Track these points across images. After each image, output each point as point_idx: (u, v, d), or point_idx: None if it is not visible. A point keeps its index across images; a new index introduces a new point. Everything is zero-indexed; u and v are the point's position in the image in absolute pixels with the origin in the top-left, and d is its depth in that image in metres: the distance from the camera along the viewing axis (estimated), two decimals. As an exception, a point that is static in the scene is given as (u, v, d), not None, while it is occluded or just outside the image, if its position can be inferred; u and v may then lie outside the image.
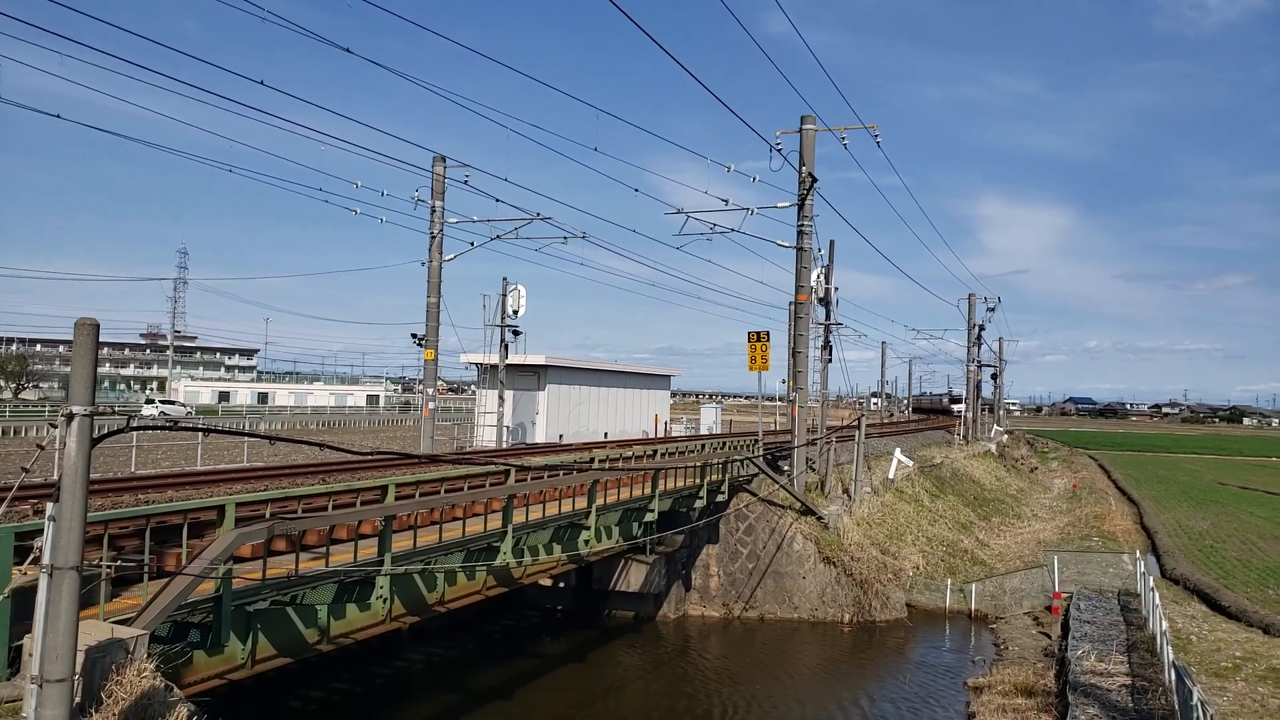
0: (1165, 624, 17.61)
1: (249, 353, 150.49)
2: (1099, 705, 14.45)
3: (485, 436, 39.08)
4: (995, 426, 73.85)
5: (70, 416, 6.41)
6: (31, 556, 7.05)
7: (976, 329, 64.77)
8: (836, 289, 30.41)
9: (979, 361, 67.30)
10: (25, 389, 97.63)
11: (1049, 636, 21.53)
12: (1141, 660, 17.01)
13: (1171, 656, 15.37)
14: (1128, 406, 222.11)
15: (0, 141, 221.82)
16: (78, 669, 6.55)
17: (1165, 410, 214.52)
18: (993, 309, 66.27)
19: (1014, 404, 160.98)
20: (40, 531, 6.85)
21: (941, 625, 24.04)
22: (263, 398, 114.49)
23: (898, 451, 35.99)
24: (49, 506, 6.60)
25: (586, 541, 16.84)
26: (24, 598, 6.93)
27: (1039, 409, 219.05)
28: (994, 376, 78.70)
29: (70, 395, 6.54)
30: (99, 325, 6.70)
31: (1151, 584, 21.22)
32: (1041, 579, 25.02)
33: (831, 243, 29.37)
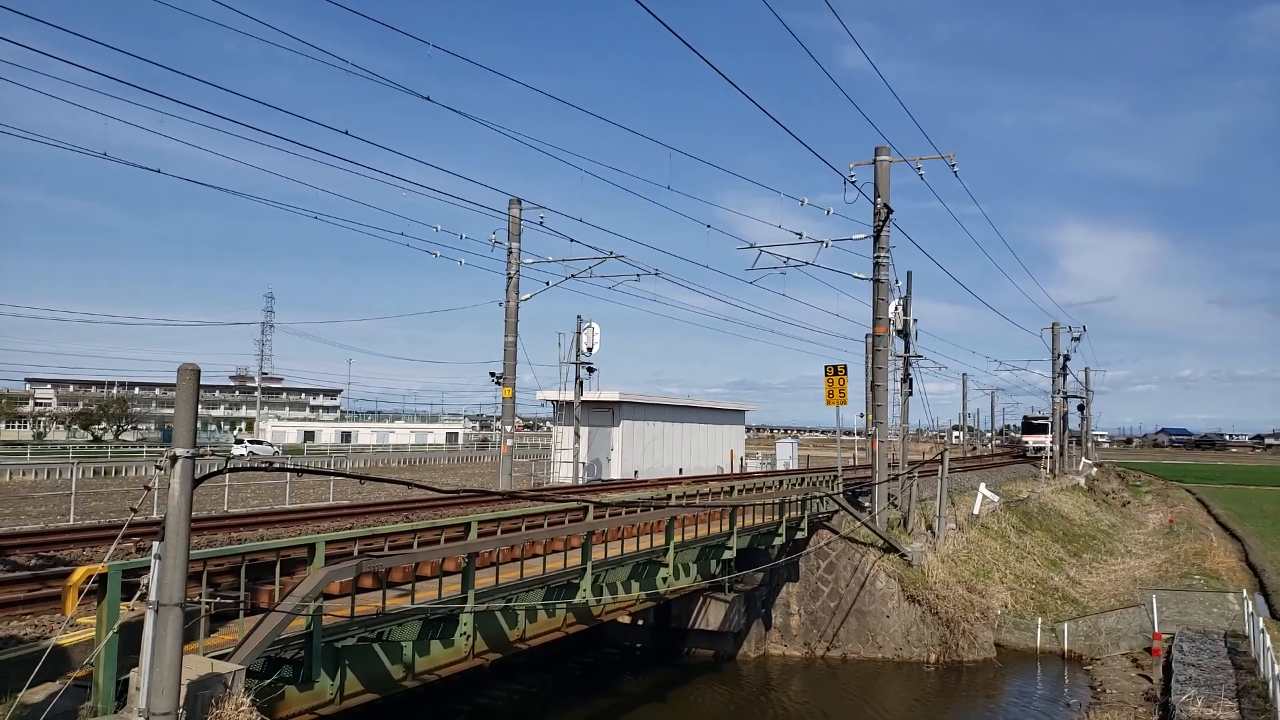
0: (1278, 667, 16.68)
1: (333, 393, 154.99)
2: (1207, 753, 13.72)
3: (561, 473, 39.38)
4: (1084, 459, 71.33)
5: (174, 459, 6.70)
6: (138, 593, 7.34)
7: (1061, 359, 62.91)
8: (915, 320, 29.94)
9: (1064, 393, 65.28)
10: (125, 430, 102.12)
11: (1150, 679, 20.55)
12: (1253, 706, 16.10)
13: (1285, 702, 14.54)
14: (1226, 437, 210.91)
15: (105, 196, 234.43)
16: (180, 702, 6.77)
17: (1269, 440, 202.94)
18: (1078, 338, 64.41)
19: (1103, 435, 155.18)
20: (143, 569, 7.14)
21: (1032, 666, 23.16)
22: (346, 437, 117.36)
23: (982, 486, 35.02)
24: (154, 545, 6.89)
25: (664, 579, 16.76)
26: (130, 633, 7.21)
27: (1129, 440, 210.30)
28: (1081, 408, 76.25)
29: (174, 438, 6.84)
30: (200, 371, 6.97)
31: (1261, 624, 20.13)
32: (1139, 618, 23.94)
33: (909, 274, 29.07)
